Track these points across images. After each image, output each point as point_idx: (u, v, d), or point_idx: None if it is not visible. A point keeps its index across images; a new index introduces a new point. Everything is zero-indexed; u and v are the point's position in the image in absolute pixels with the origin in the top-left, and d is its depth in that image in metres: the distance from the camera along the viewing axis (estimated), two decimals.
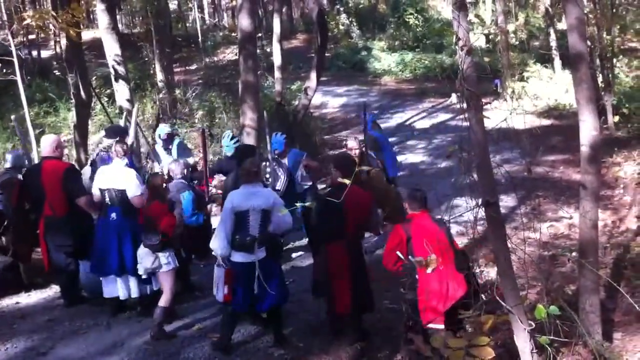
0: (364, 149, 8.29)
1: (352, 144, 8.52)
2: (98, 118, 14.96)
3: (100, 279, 7.05)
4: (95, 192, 7.02)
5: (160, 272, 6.56)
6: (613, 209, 9.50)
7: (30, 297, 7.81)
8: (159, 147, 9.71)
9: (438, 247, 5.40)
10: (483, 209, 4.39)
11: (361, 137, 8.84)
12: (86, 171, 7.92)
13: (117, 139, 7.42)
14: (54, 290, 7.99)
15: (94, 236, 7.15)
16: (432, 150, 14.91)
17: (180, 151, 9.53)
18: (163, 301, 6.53)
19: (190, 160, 9.09)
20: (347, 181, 5.74)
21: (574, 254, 7.07)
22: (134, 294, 7.01)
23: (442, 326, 5.33)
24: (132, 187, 6.85)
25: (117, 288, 6.98)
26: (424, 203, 5.82)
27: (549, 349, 4.31)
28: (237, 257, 5.99)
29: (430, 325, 5.41)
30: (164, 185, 7.01)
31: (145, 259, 6.52)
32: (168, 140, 9.64)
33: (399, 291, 6.13)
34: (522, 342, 4.40)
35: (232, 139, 8.73)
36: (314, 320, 6.78)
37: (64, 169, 7.22)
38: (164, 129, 9.93)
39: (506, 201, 8.74)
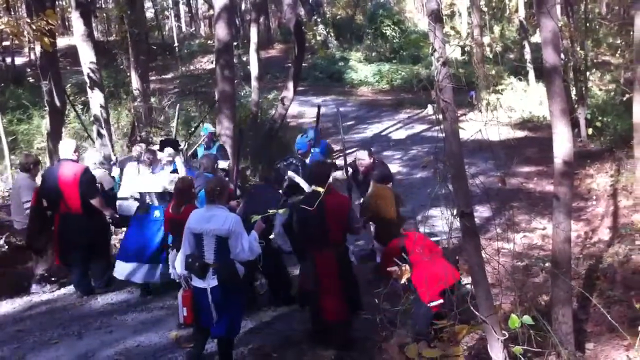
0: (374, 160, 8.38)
1: (363, 155, 8.39)
2: (72, 126, 14.78)
3: (118, 262, 7.88)
4: (135, 194, 8.05)
5: None
6: (586, 220, 9.60)
7: (0, 307, 7.69)
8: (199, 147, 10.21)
9: (429, 248, 6.07)
10: (458, 219, 4.41)
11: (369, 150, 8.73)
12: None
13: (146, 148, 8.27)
14: (24, 300, 7.94)
15: (127, 231, 8.11)
16: (408, 160, 14.99)
17: (220, 153, 9.71)
18: None
19: (225, 164, 8.81)
20: (320, 189, 5.79)
21: (547, 264, 7.13)
22: (138, 279, 7.78)
23: (441, 300, 5.61)
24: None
25: (129, 271, 7.75)
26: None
27: (522, 358, 4.32)
28: (194, 280, 5.73)
29: (432, 304, 5.67)
30: (193, 189, 6.84)
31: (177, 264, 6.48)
32: (210, 140, 10.19)
33: (373, 301, 6.14)
34: (496, 351, 4.42)
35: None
36: (289, 330, 6.75)
37: (82, 171, 7.77)
38: (208, 127, 10.49)
39: (481, 212, 8.80)
